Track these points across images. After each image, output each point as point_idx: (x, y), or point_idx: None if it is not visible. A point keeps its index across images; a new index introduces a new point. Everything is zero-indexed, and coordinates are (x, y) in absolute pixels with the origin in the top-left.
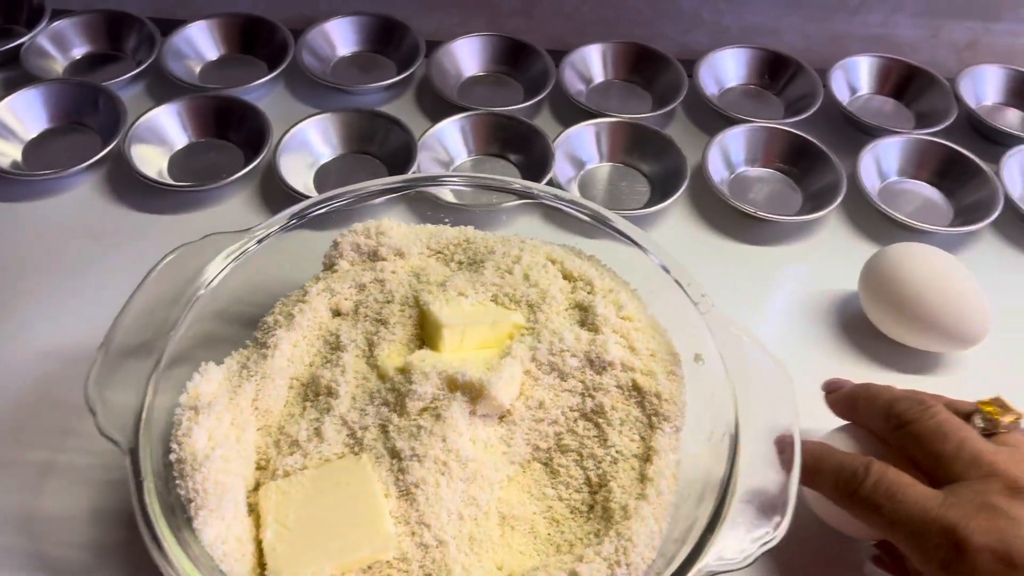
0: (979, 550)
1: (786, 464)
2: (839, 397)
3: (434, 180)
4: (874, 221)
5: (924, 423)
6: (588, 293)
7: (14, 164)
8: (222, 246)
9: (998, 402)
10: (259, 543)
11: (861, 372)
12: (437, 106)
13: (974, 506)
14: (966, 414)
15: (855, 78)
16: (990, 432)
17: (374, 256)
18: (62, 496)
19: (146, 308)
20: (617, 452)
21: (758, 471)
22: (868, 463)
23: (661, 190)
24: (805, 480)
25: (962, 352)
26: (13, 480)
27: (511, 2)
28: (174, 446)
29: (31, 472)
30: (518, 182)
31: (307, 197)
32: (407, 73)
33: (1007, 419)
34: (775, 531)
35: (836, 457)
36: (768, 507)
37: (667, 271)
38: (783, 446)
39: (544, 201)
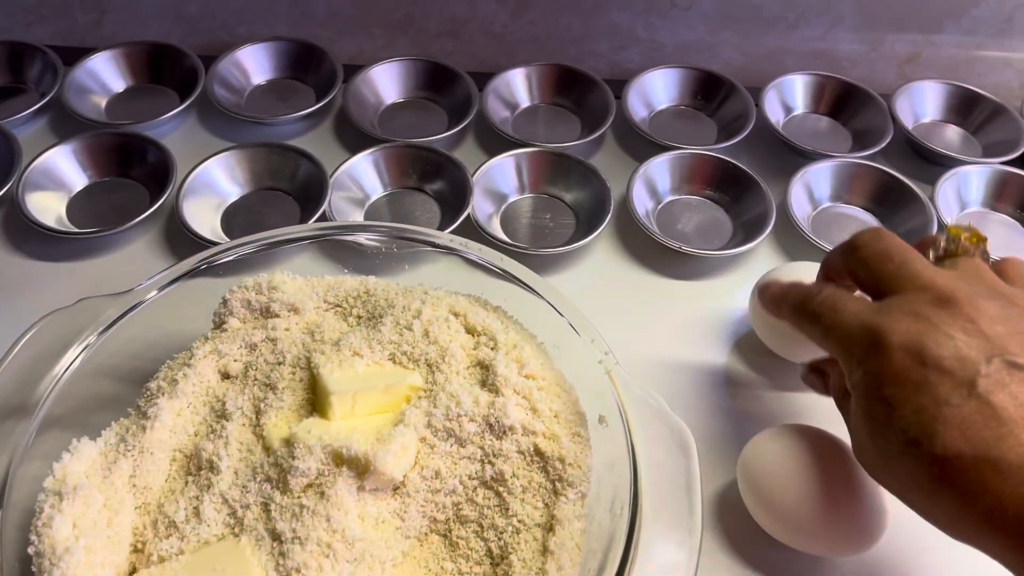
0: (894, 347)
1: (689, 538)
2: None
3: (344, 230)
4: (805, 250)
5: (872, 247)
6: (491, 349)
7: None
8: (98, 311)
9: (967, 226)
10: None
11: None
12: (355, 136)
13: (901, 312)
14: (931, 238)
15: (790, 97)
16: (949, 254)
17: (266, 312)
18: None
19: (15, 374)
20: (519, 522)
21: (659, 546)
22: (823, 284)
23: (587, 222)
24: (769, 308)
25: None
26: None
27: (439, 22)
28: (32, 537)
29: None
30: (427, 232)
31: (213, 242)
32: (324, 102)
33: (965, 236)
34: None
35: (800, 286)
36: None
37: (572, 327)
38: None
39: (452, 251)
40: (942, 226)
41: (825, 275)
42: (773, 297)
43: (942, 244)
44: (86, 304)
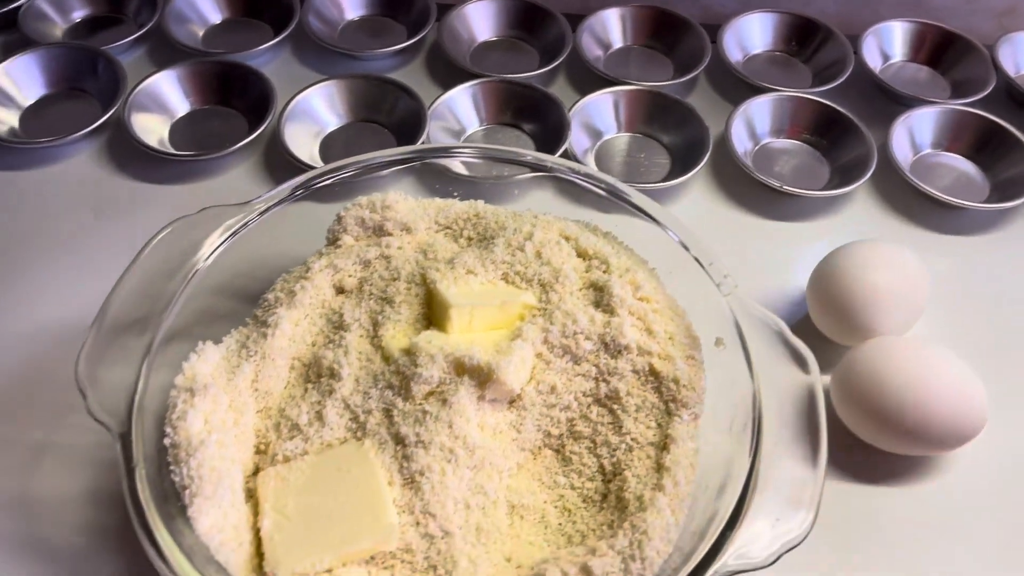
0: None
1: (813, 455)
2: None
3: (444, 152)
4: (906, 196)
5: None
6: (603, 272)
7: (11, 131)
8: (221, 219)
9: None
10: (257, 532)
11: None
12: (448, 73)
13: None
14: None
15: (888, 45)
16: None
17: (379, 231)
18: (57, 477)
19: (142, 283)
20: (632, 440)
21: (783, 463)
22: None
23: (682, 162)
24: None
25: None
26: (6, 461)
27: None
28: (168, 430)
29: (25, 452)
30: (531, 154)
31: (312, 168)
32: (417, 38)
33: None
34: (801, 528)
35: None
36: (794, 502)
37: (687, 249)
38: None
39: (558, 174)
40: None
41: None
42: None
43: None
44: (211, 212)
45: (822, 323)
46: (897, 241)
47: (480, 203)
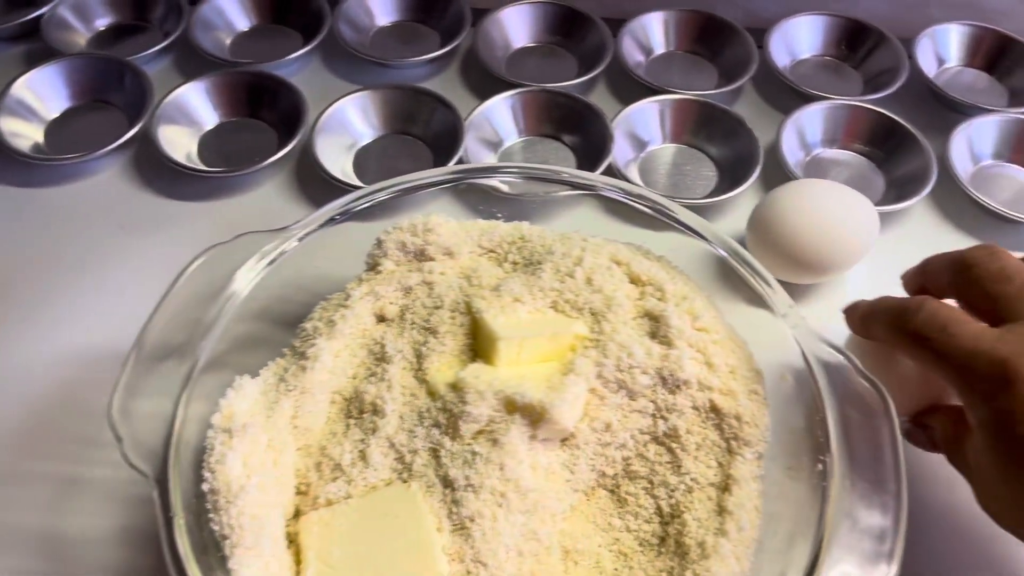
0: None
1: (895, 503)
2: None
3: (485, 172)
4: (965, 210)
5: (988, 265)
6: (659, 300)
7: (35, 147)
8: (257, 246)
9: None
10: None
11: None
12: (484, 81)
13: None
14: None
15: (943, 48)
16: None
17: (421, 256)
18: (87, 514)
19: (175, 315)
20: (692, 480)
21: (858, 511)
22: (923, 299)
23: (730, 175)
24: (863, 331)
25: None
26: (34, 496)
27: None
28: (207, 474)
29: (54, 487)
30: (573, 172)
31: (345, 184)
32: (452, 45)
33: None
34: None
35: (891, 299)
36: (872, 556)
37: (747, 281)
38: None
39: (602, 192)
40: None
41: (917, 289)
42: (863, 316)
43: None
44: (246, 239)
45: (763, 260)
46: None
47: (525, 225)
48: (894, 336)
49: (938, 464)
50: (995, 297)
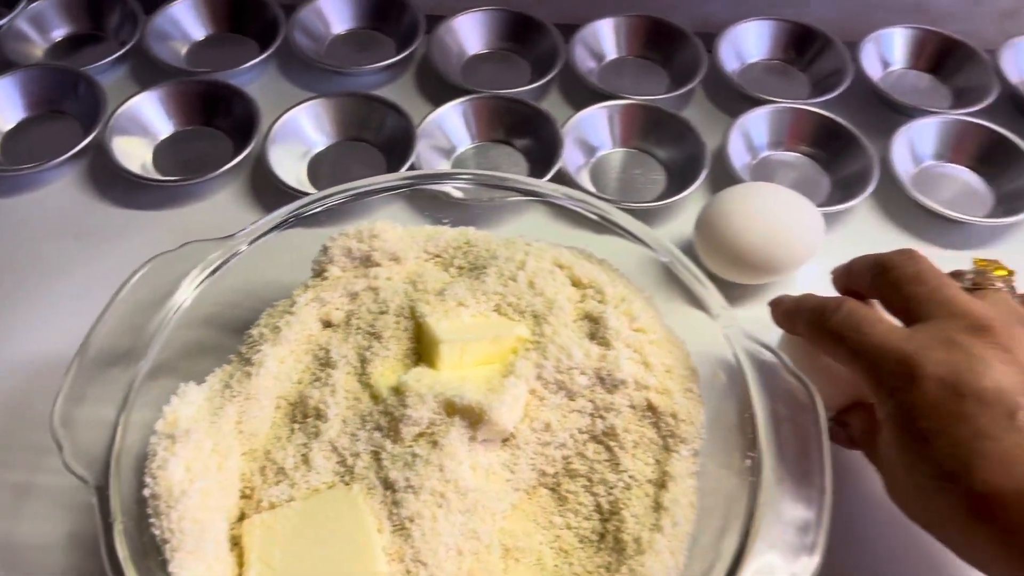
0: (929, 378)
1: (818, 495)
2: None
3: (434, 178)
4: (907, 210)
5: (905, 269)
6: (599, 302)
7: None
8: (203, 255)
9: (994, 261)
10: None
11: None
12: (439, 87)
13: (935, 340)
14: (958, 272)
15: (888, 52)
16: (978, 286)
17: (367, 261)
18: (38, 521)
19: (119, 324)
20: (630, 477)
21: (784, 504)
22: (842, 299)
23: (679, 178)
24: (787, 325)
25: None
26: None
27: None
28: (148, 480)
29: (5, 495)
30: (522, 180)
31: (299, 191)
32: (407, 52)
33: (997, 272)
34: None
35: (813, 298)
36: (796, 547)
37: (685, 283)
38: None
39: (549, 199)
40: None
41: (844, 288)
42: (787, 311)
43: (970, 276)
44: (191, 248)
45: (711, 262)
46: None
47: (471, 230)
48: (814, 333)
49: (864, 459)
50: (908, 298)
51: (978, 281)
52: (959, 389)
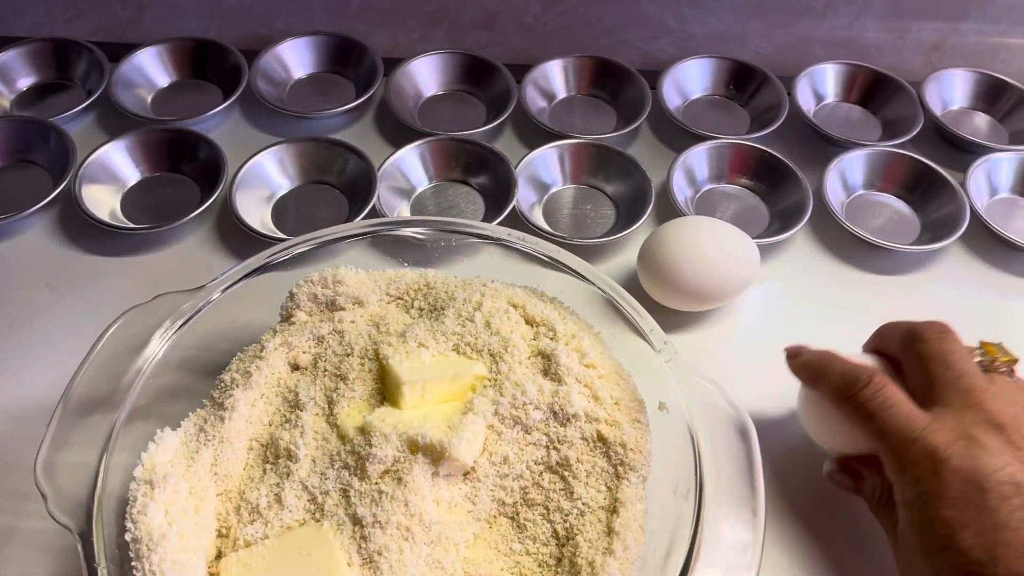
0: (953, 472)
1: (753, 518)
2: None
3: (392, 225)
4: (840, 238)
5: (935, 345)
6: (551, 339)
7: None
8: (174, 306)
9: (999, 346)
10: None
11: None
12: (397, 129)
13: (956, 433)
14: (969, 349)
15: (821, 86)
16: (984, 368)
17: (332, 306)
18: (21, 565)
19: (100, 369)
20: (584, 504)
21: (724, 527)
22: (872, 373)
23: (628, 212)
24: (809, 380)
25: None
26: None
27: (471, 14)
28: (129, 525)
29: None
30: (476, 225)
31: (264, 236)
32: (366, 96)
33: (1001, 359)
34: None
35: (844, 362)
36: (735, 567)
37: (630, 320)
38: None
39: (503, 243)
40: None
41: (874, 349)
42: (809, 366)
43: (977, 358)
44: (163, 300)
45: (653, 292)
46: (832, 282)
47: (430, 272)
48: (840, 402)
49: (800, 482)
50: (933, 380)
51: (986, 365)
52: (981, 483)
